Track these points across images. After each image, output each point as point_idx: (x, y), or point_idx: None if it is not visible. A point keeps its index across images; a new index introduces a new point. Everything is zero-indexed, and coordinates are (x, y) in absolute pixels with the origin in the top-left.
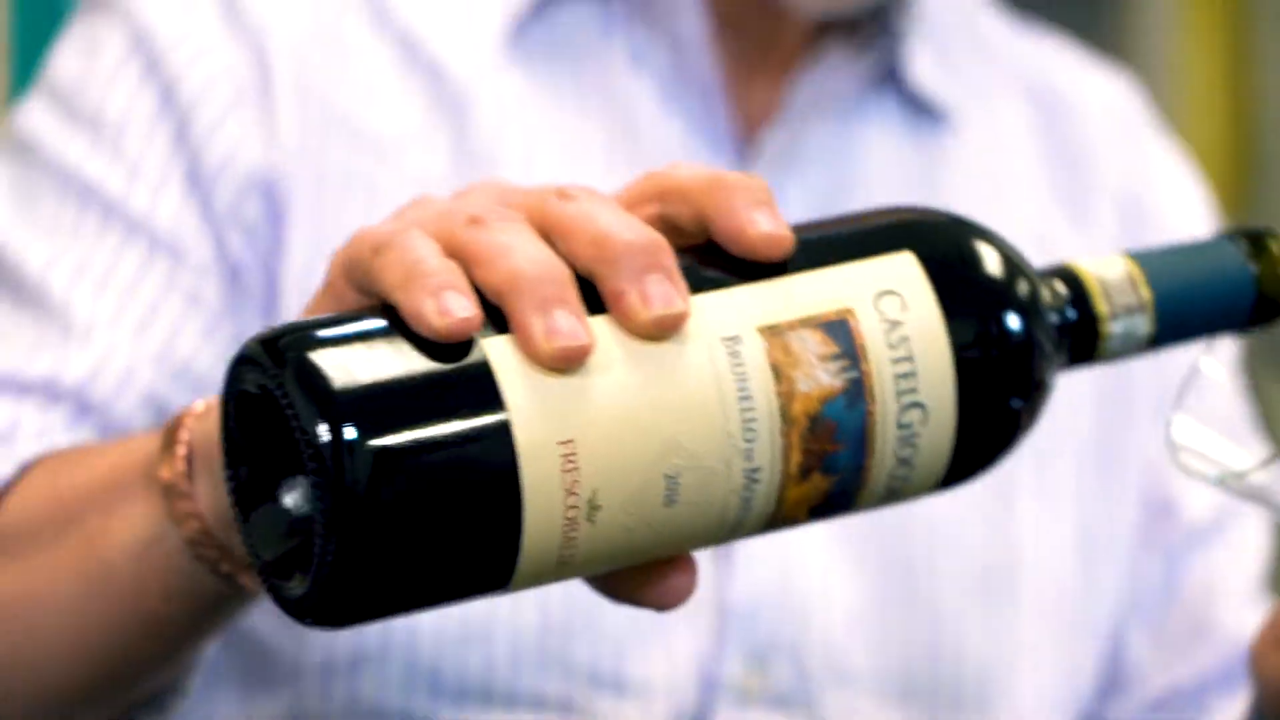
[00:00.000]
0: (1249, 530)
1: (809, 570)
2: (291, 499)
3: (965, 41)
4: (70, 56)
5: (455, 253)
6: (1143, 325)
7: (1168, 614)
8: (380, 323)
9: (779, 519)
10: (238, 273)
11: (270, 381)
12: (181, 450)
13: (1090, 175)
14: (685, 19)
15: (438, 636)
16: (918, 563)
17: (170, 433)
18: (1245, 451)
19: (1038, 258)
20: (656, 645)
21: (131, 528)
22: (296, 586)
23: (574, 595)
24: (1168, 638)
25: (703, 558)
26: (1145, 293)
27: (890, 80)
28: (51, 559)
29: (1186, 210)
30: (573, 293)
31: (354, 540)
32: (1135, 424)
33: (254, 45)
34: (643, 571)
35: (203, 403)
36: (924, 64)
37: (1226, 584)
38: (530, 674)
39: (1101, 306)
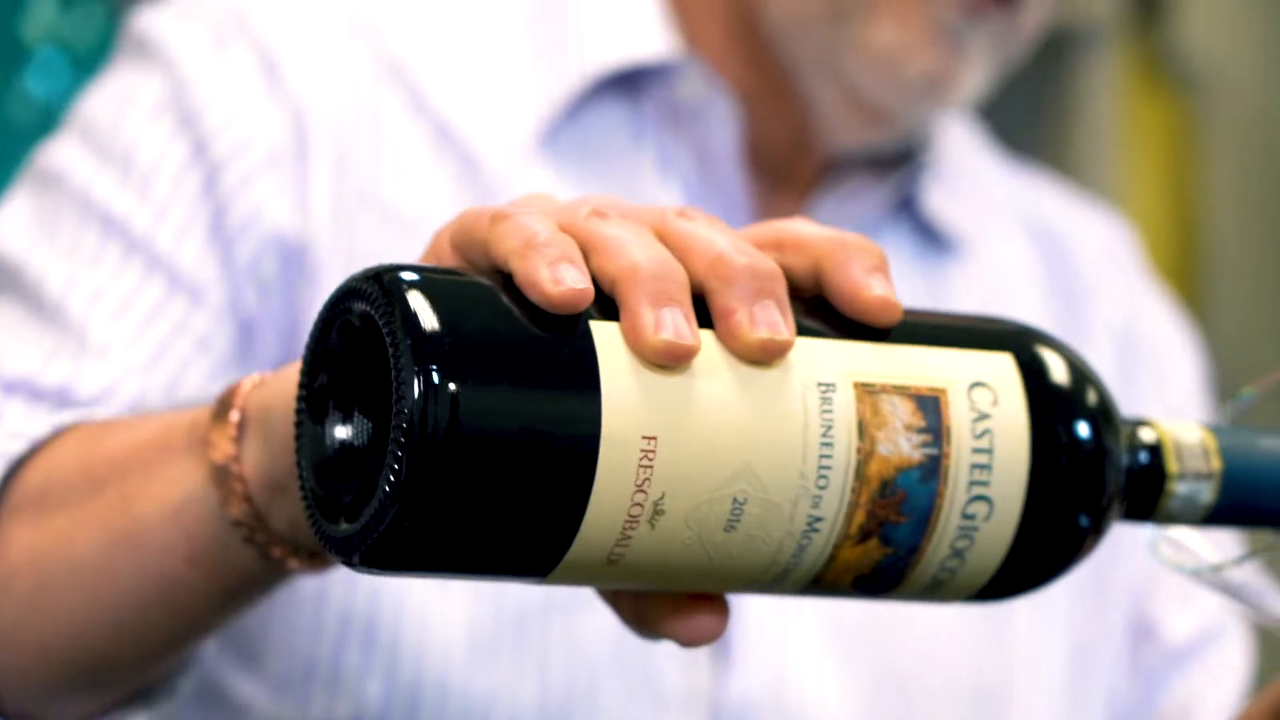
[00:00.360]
0: (1229, 653)
1: (804, 676)
2: (360, 433)
3: (967, 177)
4: (105, 98)
5: (575, 238)
6: (1206, 494)
7: None
8: (491, 284)
9: (824, 580)
10: (249, 327)
11: (376, 311)
12: (235, 416)
13: (1087, 311)
14: (716, 133)
15: (440, 710)
16: (912, 676)
17: (224, 401)
18: (1223, 547)
19: None
20: None
21: (170, 486)
22: (344, 525)
23: (575, 676)
24: None
25: (700, 654)
26: (1216, 463)
27: (905, 208)
28: (81, 514)
29: (1177, 352)
30: (687, 296)
31: (421, 484)
32: (1122, 546)
33: (293, 113)
34: (675, 601)
35: (258, 375)
36: (937, 195)
37: (1204, 705)
38: None
39: (1173, 464)
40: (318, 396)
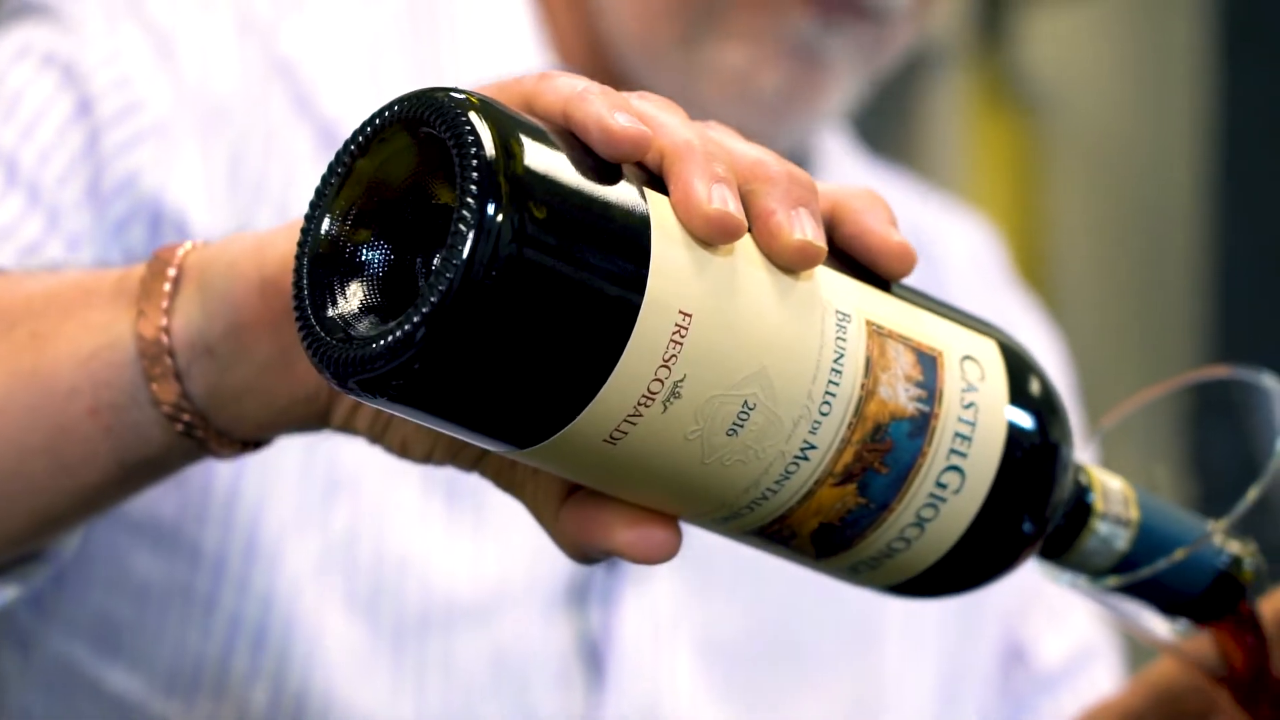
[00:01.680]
0: (1099, 676)
1: (679, 696)
2: (385, 258)
3: (835, 179)
4: None
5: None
6: (1121, 540)
7: None
8: (550, 129)
9: (787, 522)
10: None
11: (445, 128)
12: (171, 272)
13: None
14: None
15: None
16: (785, 696)
17: (160, 258)
18: None
19: None
20: None
21: (87, 330)
22: (352, 346)
23: (451, 697)
24: None
25: (576, 677)
26: (1134, 513)
27: None
28: None
29: (1043, 356)
30: (734, 180)
31: (462, 313)
32: None
33: (185, 93)
34: (630, 512)
35: (190, 242)
36: None
37: None
38: None
39: (1099, 502)
40: (337, 215)
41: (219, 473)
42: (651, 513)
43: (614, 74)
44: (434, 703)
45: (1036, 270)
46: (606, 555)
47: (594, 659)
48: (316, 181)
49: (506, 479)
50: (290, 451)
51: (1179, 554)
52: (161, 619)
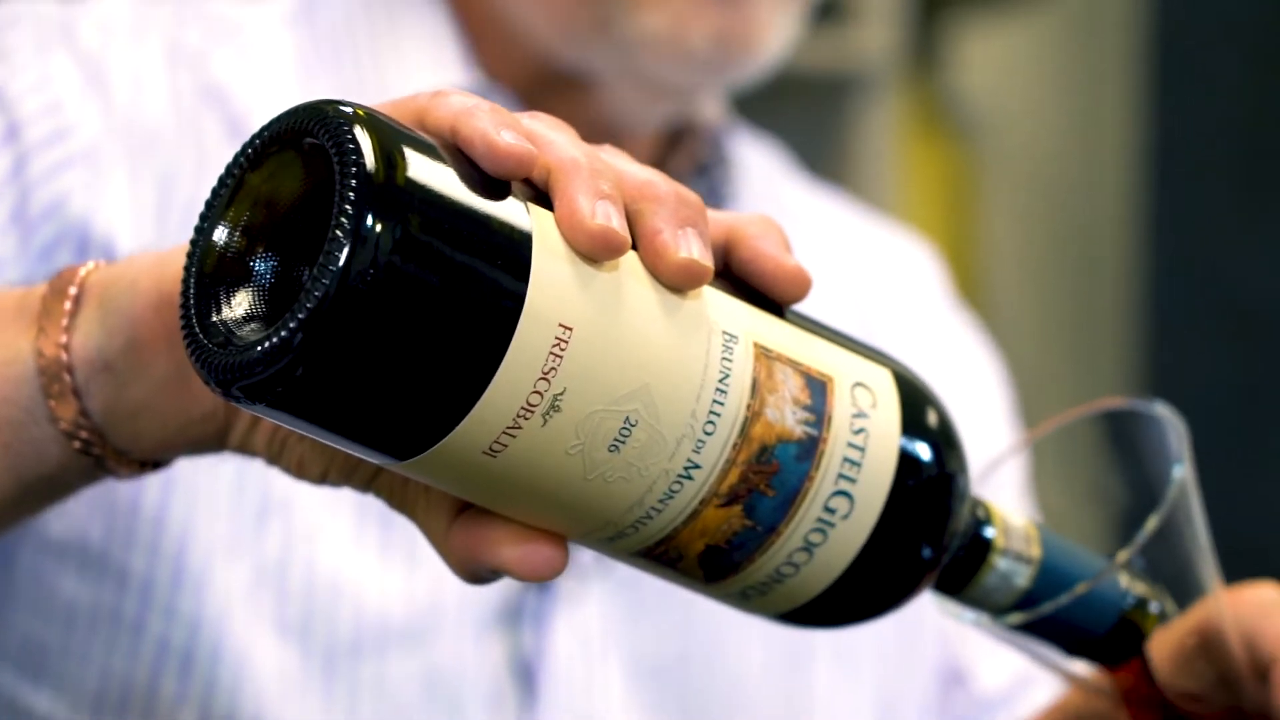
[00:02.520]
0: (1040, 702)
1: (611, 716)
2: (269, 269)
3: (766, 199)
4: None
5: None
6: (1022, 577)
7: None
8: (435, 142)
9: (673, 543)
10: None
11: (328, 139)
12: (72, 291)
13: (890, 335)
14: None
15: None
16: (715, 717)
17: (63, 277)
18: None
19: None
20: None
21: None
22: (232, 353)
23: (384, 719)
24: None
25: (507, 697)
26: (1036, 550)
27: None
28: None
29: (984, 377)
30: (620, 198)
31: (338, 321)
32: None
33: (115, 120)
34: (516, 529)
35: (92, 262)
36: (747, 202)
37: None
38: None
39: (1000, 538)
40: (226, 226)
41: (147, 496)
42: (538, 531)
43: (550, 80)
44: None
45: (970, 292)
46: (494, 574)
47: (527, 679)
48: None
49: (399, 499)
50: (222, 475)
51: (1080, 588)
52: (88, 643)
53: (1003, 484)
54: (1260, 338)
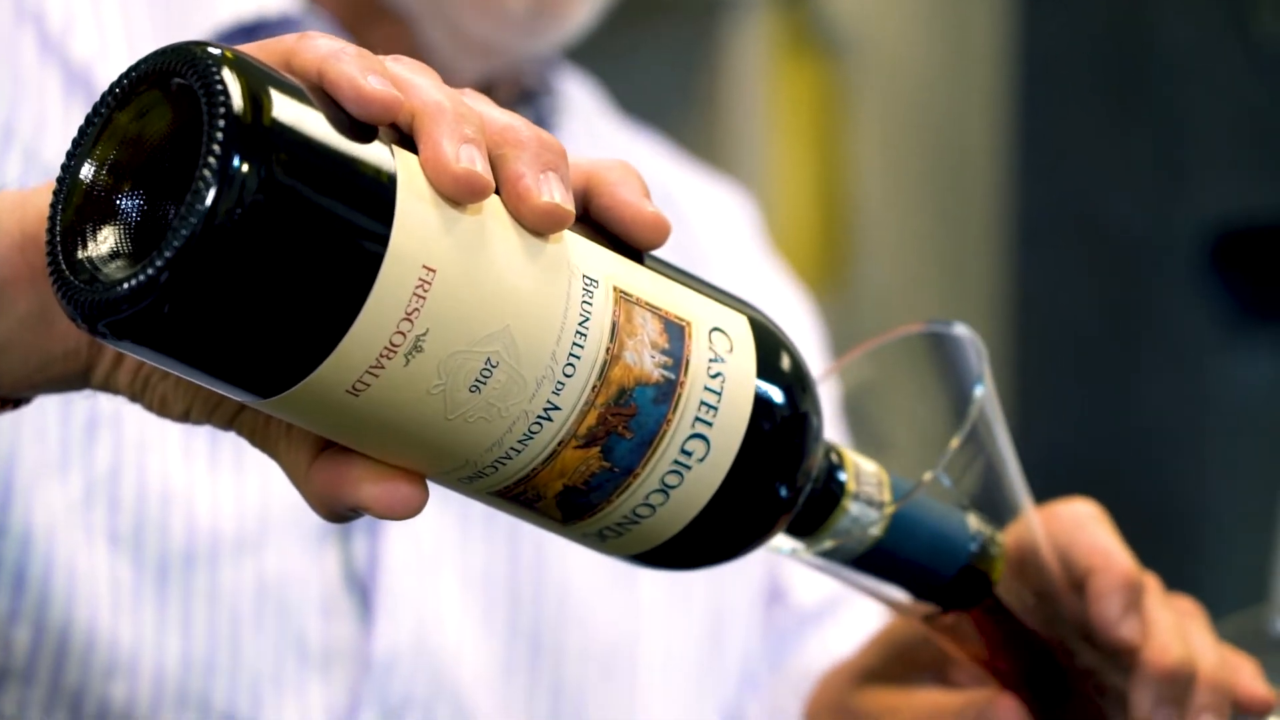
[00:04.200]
0: (862, 612)
1: (445, 628)
2: (135, 207)
3: (583, 137)
4: None
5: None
6: (873, 520)
7: (779, 688)
8: (303, 86)
9: (532, 485)
10: None
11: (196, 79)
12: None
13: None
14: None
15: (85, 663)
16: (545, 634)
17: None
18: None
19: None
20: (292, 694)
21: None
22: (98, 289)
23: (218, 629)
24: (779, 710)
25: (344, 608)
26: (887, 495)
27: None
28: None
29: (796, 322)
30: (484, 142)
31: (204, 258)
32: None
33: None
34: (377, 467)
35: None
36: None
37: (838, 658)
38: (170, 713)
39: (851, 482)
40: (93, 164)
41: None
42: (398, 469)
43: (370, 10)
44: (201, 636)
45: (839, 212)
46: (354, 511)
47: (361, 589)
48: (67, 126)
49: (261, 437)
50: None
51: (889, 509)
52: None
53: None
54: (1124, 258)
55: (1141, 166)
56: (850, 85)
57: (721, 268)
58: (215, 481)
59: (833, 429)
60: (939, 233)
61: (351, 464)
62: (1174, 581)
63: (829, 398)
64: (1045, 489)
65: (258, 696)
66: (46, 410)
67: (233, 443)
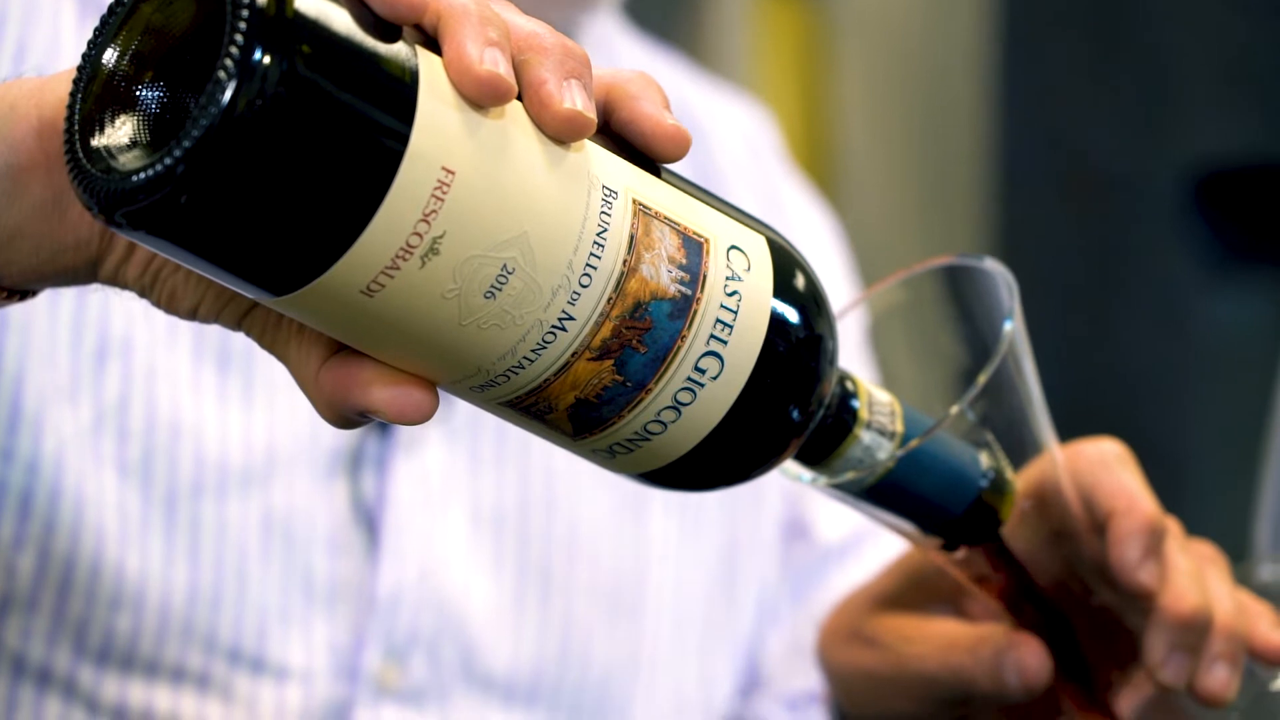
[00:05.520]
0: (886, 547)
1: (451, 565)
2: (157, 97)
3: (603, 57)
4: None
5: None
6: (885, 450)
7: (802, 624)
8: None
9: (544, 396)
10: None
11: None
12: None
13: (723, 195)
14: None
15: (90, 593)
16: (554, 569)
17: None
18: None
19: None
20: (297, 629)
21: None
22: (117, 178)
23: (225, 562)
24: (801, 646)
25: (353, 543)
26: (900, 426)
27: None
28: None
29: (819, 238)
30: (508, 46)
31: (226, 147)
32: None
33: None
34: (388, 370)
35: None
36: None
37: None
38: (174, 645)
39: (864, 410)
40: (115, 51)
41: None
42: (409, 375)
43: None
44: (208, 569)
45: (821, 157)
46: (362, 416)
47: (369, 524)
48: (79, 46)
49: (270, 338)
50: (60, 317)
51: (913, 443)
52: None
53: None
54: (1108, 199)
55: (1125, 107)
56: (834, 27)
57: (741, 185)
58: (224, 413)
59: (856, 359)
60: (922, 174)
61: (363, 367)
62: None
63: (854, 327)
64: None
65: (263, 631)
66: (57, 337)
67: (241, 375)
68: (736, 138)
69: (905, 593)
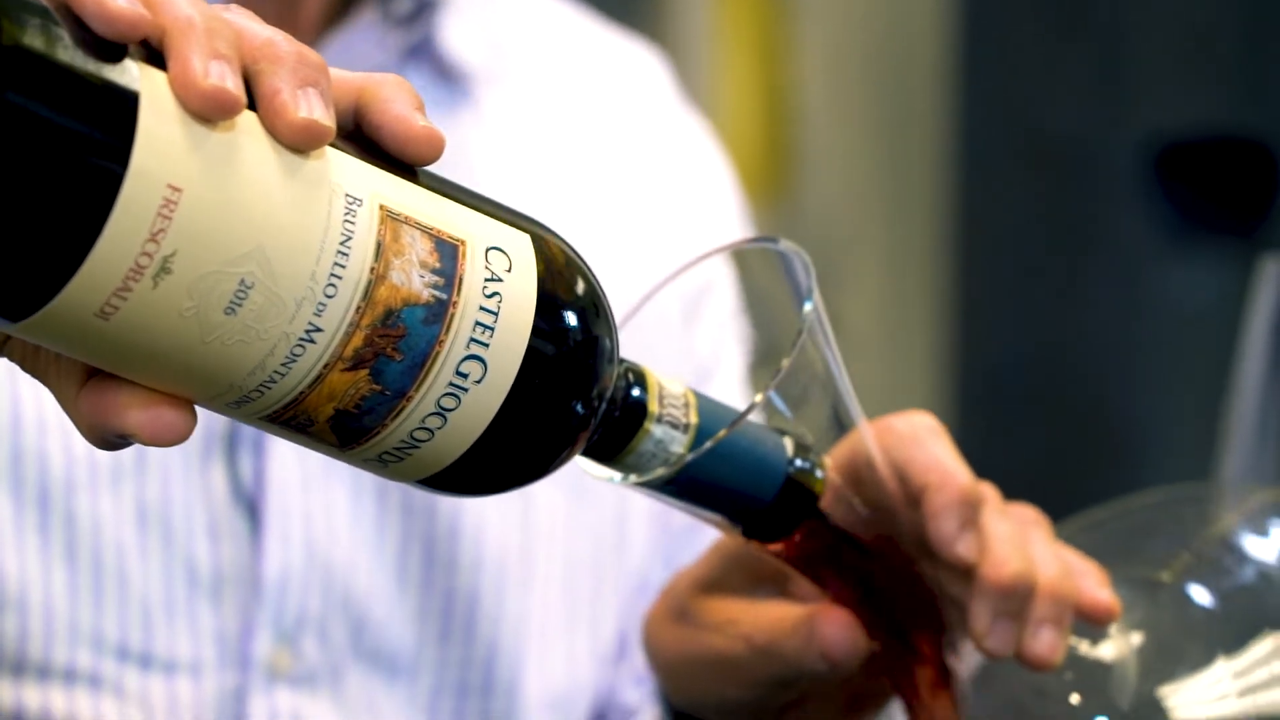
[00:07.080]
0: None
1: (337, 542)
2: None
3: (503, 12)
4: None
5: None
6: (679, 444)
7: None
8: (50, 6)
9: (302, 409)
10: None
11: None
12: None
13: (621, 146)
14: None
15: None
16: (439, 544)
17: None
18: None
19: (559, 228)
20: (183, 620)
21: None
22: None
23: (103, 556)
24: None
25: (235, 527)
26: (693, 418)
27: (425, 50)
28: None
29: (712, 181)
30: (237, 58)
31: None
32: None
33: None
34: (142, 392)
35: None
36: (458, 35)
37: None
38: (62, 646)
39: (654, 404)
40: None
41: None
42: (164, 395)
43: None
44: (86, 565)
45: (782, 127)
46: (122, 438)
47: (249, 508)
48: None
49: (31, 363)
50: None
51: (721, 434)
52: None
53: (708, 320)
54: (1067, 170)
55: (1084, 79)
56: (794, 3)
57: (637, 127)
58: None
59: (721, 336)
60: (883, 144)
61: (119, 390)
62: (1112, 492)
63: (698, 305)
64: (988, 401)
65: (148, 625)
66: None
67: None
68: (628, 78)
69: (729, 576)
